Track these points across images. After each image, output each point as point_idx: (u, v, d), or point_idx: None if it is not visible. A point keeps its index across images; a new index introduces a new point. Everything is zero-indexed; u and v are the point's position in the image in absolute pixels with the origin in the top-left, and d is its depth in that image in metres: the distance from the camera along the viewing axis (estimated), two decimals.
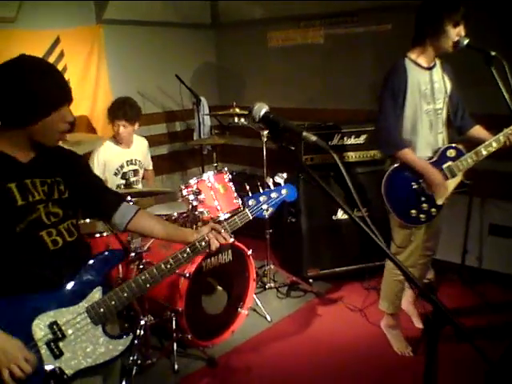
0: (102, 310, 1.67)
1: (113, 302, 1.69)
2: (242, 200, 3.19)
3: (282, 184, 2.02)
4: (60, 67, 3.92)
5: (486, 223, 3.89)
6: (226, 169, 3.55)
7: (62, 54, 3.98)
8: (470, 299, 3.61)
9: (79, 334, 1.63)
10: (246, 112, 3.78)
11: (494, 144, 2.71)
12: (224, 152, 4.46)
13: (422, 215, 2.79)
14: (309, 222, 3.90)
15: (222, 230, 1.89)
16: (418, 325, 3.29)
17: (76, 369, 1.61)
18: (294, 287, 3.89)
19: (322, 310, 3.63)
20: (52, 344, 1.58)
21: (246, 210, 1.97)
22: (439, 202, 2.78)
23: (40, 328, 1.57)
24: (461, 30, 2.60)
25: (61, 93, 1.62)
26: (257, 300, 3.54)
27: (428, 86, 2.75)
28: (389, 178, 2.80)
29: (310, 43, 4.67)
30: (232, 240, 3.22)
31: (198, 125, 4.71)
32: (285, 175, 2.03)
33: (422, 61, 2.76)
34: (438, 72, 2.81)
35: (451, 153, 2.79)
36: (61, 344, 1.59)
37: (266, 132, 3.74)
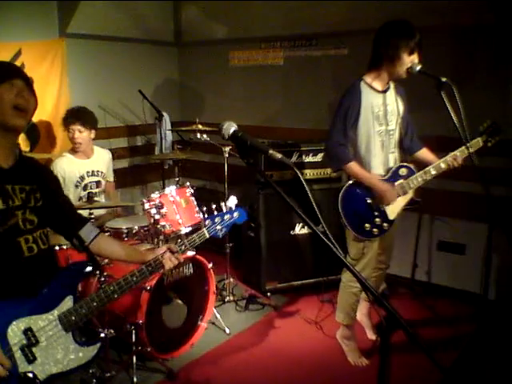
0: (73, 318, 1.74)
1: (83, 311, 1.76)
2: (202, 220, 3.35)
3: (234, 208, 2.25)
4: None
5: (435, 239, 4.10)
6: (188, 183, 3.62)
7: (22, 67, 3.95)
8: (420, 312, 3.79)
9: (51, 340, 1.69)
10: (208, 128, 3.87)
11: (443, 165, 2.89)
12: (185, 167, 4.53)
13: (374, 229, 2.93)
14: (267, 237, 4.00)
15: (176, 251, 2.03)
16: (371, 336, 3.44)
17: (48, 374, 1.67)
18: (252, 300, 3.96)
19: (279, 322, 3.72)
20: (26, 349, 1.63)
21: (204, 229, 2.18)
22: (391, 217, 2.94)
23: (15, 333, 1.62)
24: (415, 57, 2.76)
25: (7, 67, 1.78)
26: (216, 313, 3.59)
27: (381, 108, 2.91)
28: (345, 193, 2.93)
29: (270, 64, 4.82)
30: (193, 253, 3.29)
31: (160, 139, 4.76)
32: (235, 200, 2.26)
33: (377, 84, 2.91)
34: (391, 95, 2.97)
35: (403, 171, 2.96)
36: (34, 349, 1.65)
37: (227, 148, 3.83)
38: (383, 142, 2.95)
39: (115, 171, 4.19)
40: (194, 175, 5.17)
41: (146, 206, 3.35)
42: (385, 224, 2.94)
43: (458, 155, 2.86)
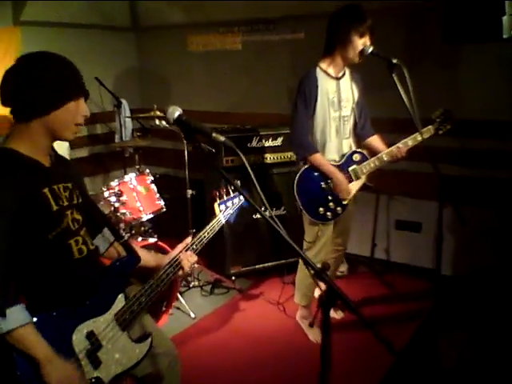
0: (127, 316, 1.71)
1: (135, 307, 1.74)
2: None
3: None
4: None
5: (393, 219, 4.21)
6: (147, 170, 3.61)
7: None
8: (380, 289, 3.90)
9: (112, 341, 1.67)
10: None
11: (394, 151, 2.96)
12: (146, 154, 4.50)
13: (328, 213, 3.01)
14: (231, 222, 4.02)
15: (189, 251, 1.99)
16: (332, 315, 3.53)
17: (112, 375, 1.65)
18: (217, 285, 4.01)
19: (244, 305, 3.78)
20: (92, 355, 1.60)
21: (219, 215, 2.15)
22: (344, 201, 3.02)
23: (79, 340, 1.58)
24: (366, 40, 2.82)
25: (80, 83, 1.69)
26: (181, 298, 3.62)
27: (336, 94, 2.97)
28: (300, 178, 3.00)
29: (229, 49, 4.81)
30: (155, 240, 3.30)
31: (120, 127, 4.72)
32: (239, 182, 2.13)
33: (332, 70, 2.97)
34: (346, 81, 3.03)
35: (356, 157, 3.05)
36: (99, 354, 1.62)
37: None
38: (338, 128, 3.01)
39: (75, 160, 4.14)
40: (155, 163, 5.15)
41: (106, 194, 3.34)
42: (338, 208, 3.02)
43: (409, 144, 2.93)
